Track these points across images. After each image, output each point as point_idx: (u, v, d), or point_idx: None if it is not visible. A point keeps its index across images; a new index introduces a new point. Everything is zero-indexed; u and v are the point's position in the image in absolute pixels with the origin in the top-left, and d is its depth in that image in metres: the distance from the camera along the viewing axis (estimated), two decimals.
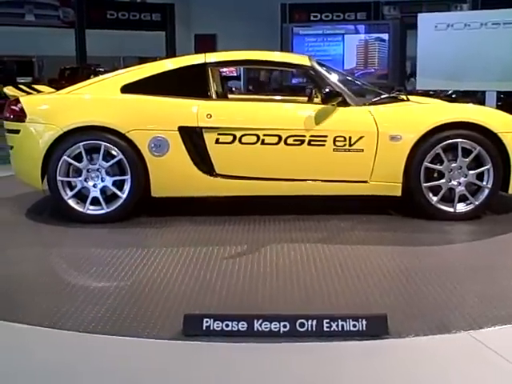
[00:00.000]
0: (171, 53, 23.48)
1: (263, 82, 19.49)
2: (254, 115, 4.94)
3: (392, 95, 5.56)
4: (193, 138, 4.84)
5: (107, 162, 4.82)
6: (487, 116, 4.97)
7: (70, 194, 4.86)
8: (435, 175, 4.87)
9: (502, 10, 10.74)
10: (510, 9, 10.60)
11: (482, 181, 4.86)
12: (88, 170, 4.84)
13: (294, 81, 14.52)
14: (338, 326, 2.80)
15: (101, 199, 4.84)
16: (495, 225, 4.83)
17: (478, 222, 4.86)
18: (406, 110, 5.10)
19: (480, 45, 10.36)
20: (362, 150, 4.81)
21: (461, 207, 4.89)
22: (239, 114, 4.96)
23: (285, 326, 2.81)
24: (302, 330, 2.80)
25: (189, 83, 5.05)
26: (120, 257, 4.05)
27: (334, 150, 4.81)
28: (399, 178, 4.81)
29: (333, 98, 4.83)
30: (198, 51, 17.54)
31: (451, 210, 4.88)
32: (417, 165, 4.78)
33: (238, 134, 4.80)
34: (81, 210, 4.86)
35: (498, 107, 8.67)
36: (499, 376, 2.55)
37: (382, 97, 5.35)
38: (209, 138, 4.82)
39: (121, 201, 4.84)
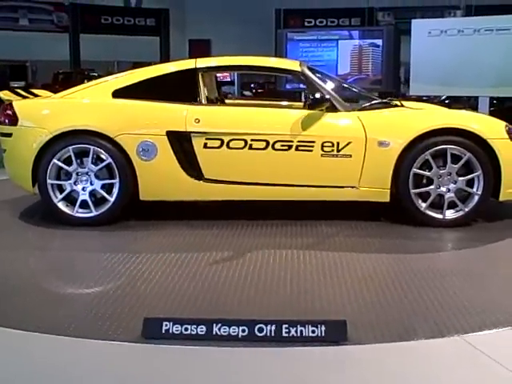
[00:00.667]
0: (165, 58, 23.48)
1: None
2: (242, 120, 4.93)
3: (384, 101, 5.53)
4: (181, 142, 4.84)
5: (96, 165, 4.84)
6: (477, 122, 4.92)
7: (59, 196, 4.88)
8: (424, 181, 4.82)
9: (494, 16, 10.78)
10: (503, 15, 10.64)
11: (472, 187, 4.80)
12: (77, 174, 4.87)
13: (289, 86, 14.51)
14: (296, 331, 2.79)
15: (89, 202, 4.85)
16: (486, 232, 4.78)
17: (467, 229, 4.81)
18: (395, 116, 5.05)
19: (473, 51, 10.38)
20: (350, 156, 4.77)
21: (450, 214, 4.83)
22: (227, 118, 4.95)
23: (243, 331, 2.80)
24: (260, 334, 2.79)
25: (179, 88, 5.06)
26: (102, 260, 4.04)
27: (321, 155, 4.78)
28: (387, 183, 4.78)
29: (319, 103, 4.80)
30: (192, 56, 17.52)
31: (440, 216, 4.82)
32: (405, 171, 4.74)
33: (226, 138, 4.79)
34: (70, 212, 4.88)
35: (491, 113, 8.68)
36: (490, 380, 2.54)
37: (373, 102, 5.32)
38: (197, 143, 4.82)
39: (109, 204, 4.85)
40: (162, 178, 4.87)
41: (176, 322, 2.84)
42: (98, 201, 4.89)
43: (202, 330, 2.81)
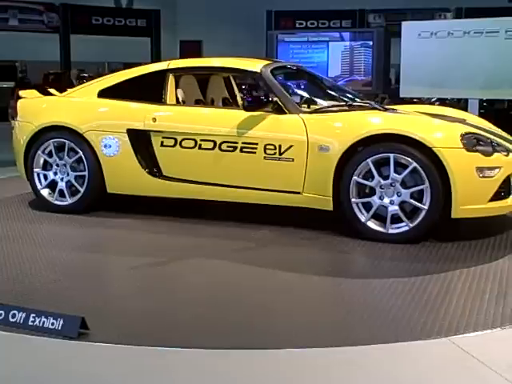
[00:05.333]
0: (156, 59, 23.40)
1: None
2: (192, 120, 5.04)
3: (352, 103, 5.25)
4: (141, 140, 5.11)
5: (71, 158, 5.38)
6: (423, 128, 4.50)
7: (43, 184, 5.58)
8: (367, 191, 4.55)
9: (484, 19, 10.82)
10: (492, 18, 10.68)
11: (421, 201, 4.42)
12: (57, 165, 5.50)
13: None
14: (40, 321, 2.96)
15: (65, 192, 5.48)
16: (432, 250, 4.37)
17: (413, 247, 4.41)
18: (339, 119, 4.75)
19: (463, 53, 10.40)
20: (292, 160, 4.64)
21: (393, 228, 4.50)
22: (179, 118, 5.09)
23: (0, 315, 3.06)
24: (13, 320, 3.04)
25: (149, 88, 5.37)
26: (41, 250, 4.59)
27: (264, 157, 4.73)
28: (329, 191, 4.57)
29: (257, 105, 4.75)
30: (182, 57, 17.48)
31: (383, 230, 4.52)
32: (346, 178, 4.51)
33: (179, 138, 4.96)
34: (50, 200, 5.57)
35: (481, 115, 8.70)
36: (477, 381, 2.55)
37: (333, 104, 5.12)
38: (155, 141, 5.06)
39: (80, 194, 5.41)
40: (123, 173, 5.20)
41: None
42: (75, 191, 5.43)
43: None
